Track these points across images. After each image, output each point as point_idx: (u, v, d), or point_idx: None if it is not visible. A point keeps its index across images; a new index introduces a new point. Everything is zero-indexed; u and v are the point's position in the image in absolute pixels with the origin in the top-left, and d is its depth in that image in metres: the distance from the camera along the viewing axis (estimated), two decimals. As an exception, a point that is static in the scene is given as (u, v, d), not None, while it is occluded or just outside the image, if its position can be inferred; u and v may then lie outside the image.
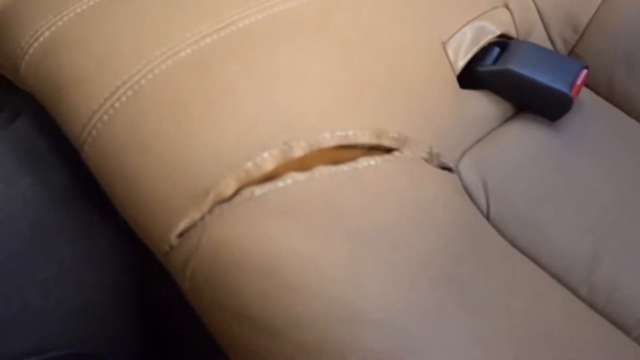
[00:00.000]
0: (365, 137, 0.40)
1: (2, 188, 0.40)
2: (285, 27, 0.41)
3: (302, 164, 0.37)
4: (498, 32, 0.50)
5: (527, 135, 0.48)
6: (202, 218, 0.35)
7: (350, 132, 0.39)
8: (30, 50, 0.41)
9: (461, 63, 0.48)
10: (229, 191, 0.35)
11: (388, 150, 0.41)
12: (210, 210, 0.35)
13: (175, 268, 0.36)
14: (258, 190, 0.35)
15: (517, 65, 0.47)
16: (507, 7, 0.51)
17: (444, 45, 0.48)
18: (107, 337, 0.40)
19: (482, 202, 0.44)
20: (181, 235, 0.35)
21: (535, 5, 0.52)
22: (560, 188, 0.45)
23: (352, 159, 0.39)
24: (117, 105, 0.37)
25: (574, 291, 0.42)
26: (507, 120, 0.49)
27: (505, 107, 0.49)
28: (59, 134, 0.40)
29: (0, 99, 0.47)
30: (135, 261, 0.41)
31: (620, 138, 0.49)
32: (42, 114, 0.42)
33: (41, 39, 0.41)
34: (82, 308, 0.39)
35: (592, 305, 0.41)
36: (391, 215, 0.36)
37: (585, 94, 0.51)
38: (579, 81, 0.47)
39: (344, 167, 0.37)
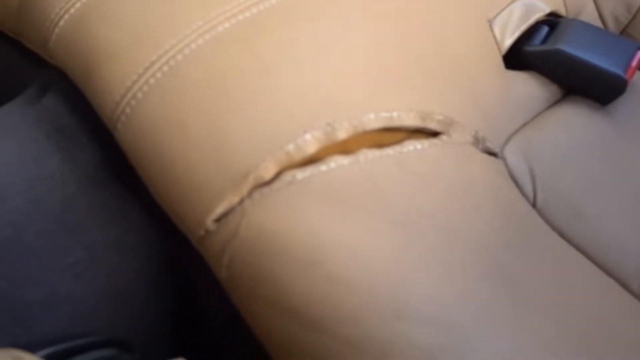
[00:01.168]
0: (410, 120, 0.38)
1: (30, 166, 0.38)
2: (327, 0, 0.39)
3: (346, 147, 0.35)
4: (548, 10, 0.47)
5: (576, 119, 0.45)
6: (241, 202, 0.33)
7: (395, 114, 0.37)
8: (61, 23, 0.40)
9: (508, 42, 0.46)
10: (269, 174, 0.33)
11: (433, 133, 0.39)
12: (249, 194, 0.33)
13: (212, 254, 0.34)
14: (300, 174, 0.33)
15: (568, 45, 0.45)
16: (557, -17, 0.49)
17: (490, 22, 0.45)
18: (136, 325, 0.39)
19: (529, 189, 0.42)
20: (218, 220, 0.34)
21: (587, -19, 0.50)
22: (612, 177, 0.43)
23: (397, 142, 0.37)
24: (152, 81, 0.35)
25: (625, 286, 0.40)
26: (555, 103, 0.47)
27: (553, 90, 0.47)
28: (90, 111, 0.38)
29: (28, 74, 0.46)
30: (168, 247, 0.40)
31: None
32: (72, 90, 0.40)
33: (72, 10, 0.40)
34: (112, 294, 0.38)
35: (644, 301, 0.39)
36: (439, 203, 0.34)
37: (638, 77, 0.49)
38: (634, 63, 0.44)
39: (389, 151, 0.35)
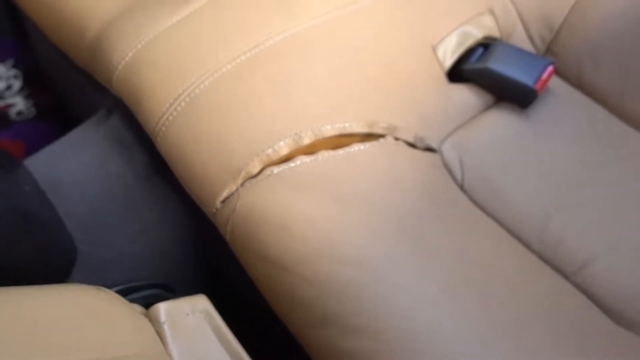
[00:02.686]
0: (359, 127, 0.53)
1: (101, 166, 0.56)
2: (299, 44, 0.54)
3: (310, 149, 0.51)
4: (480, 36, 0.60)
5: (500, 119, 0.59)
6: (237, 189, 0.49)
7: (347, 124, 0.52)
8: (120, 67, 0.57)
9: (448, 62, 0.59)
10: (255, 170, 0.49)
11: (380, 136, 0.54)
12: (242, 184, 0.49)
13: (220, 224, 0.51)
14: (276, 169, 0.49)
15: (494, 63, 0.58)
16: (491, 12, 0.62)
17: (434, 48, 0.59)
18: (173, 274, 0.56)
19: (458, 175, 0.56)
20: (223, 201, 0.50)
21: (516, 9, 0.62)
22: (524, 162, 0.56)
23: (349, 144, 0.52)
24: (178, 109, 0.52)
25: (527, 245, 0.53)
26: (488, 108, 0.60)
27: (486, 98, 0.60)
28: (140, 127, 0.56)
29: (98, 100, 0.63)
30: (195, 222, 0.57)
31: (584, 121, 0.59)
32: (129, 113, 0.57)
33: (127, 58, 0.56)
34: (157, 253, 0.55)
35: (541, 256, 0.52)
36: (371, 185, 0.49)
37: (558, 84, 0.61)
38: (544, 76, 0.57)
39: (340, 152, 0.51)
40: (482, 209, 0.55)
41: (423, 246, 0.47)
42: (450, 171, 0.56)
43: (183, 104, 0.52)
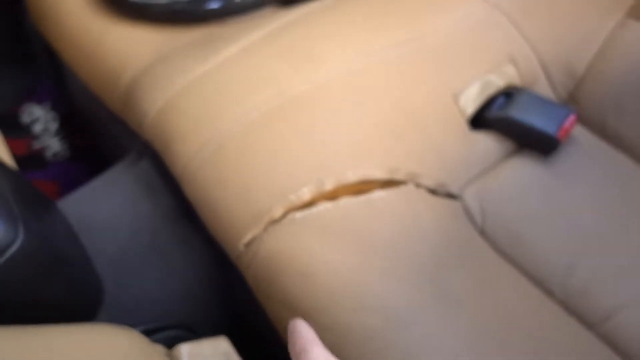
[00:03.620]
0: (381, 174, 0.54)
1: (131, 208, 0.58)
2: (323, 93, 0.56)
3: (333, 195, 0.52)
4: (501, 85, 0.61)
5: (523, 168, 0.59)
6: (260, 234, 0.51)
7: (368, 171, 0.53)
8: (150, 114, 0.59)
9: (470, 111, 0.60)
10: (278, 215, 0.51)
11: (402, 182, 0.55)
12: (265, 229, 0.50)
13: (243, 268, 0.52)
14: (298, 215, 0.50)
15: (516, 112, 0.59)
16: (513, 61, 0.63)
17: (455, 97, 0.60)
18: (198, 317, 0.57)
19: (479, 222, 0.56)
20: (246, 245, 0.51)
21: (538, 57, 0.63)
22: (546, 211, 0.56)
23: (370, 190, 0.53)
24: (206, 154, 0.54)
25: (550, 293, 0.53)
26: (510, 155, 0.61)
27: (508, 145, 0.61)
28: (168, 171, 0.58)
29: (129, 143, 0.66)
30: (219, 264, 0.58)
31: (609, 170, 0.59)
32: (157, 157, 0.59)
33: (157, 106, 0.59)
34: (183, 294, 0.56)
35: (564, 305, 0.52)
36: (392, 232, 0.50)
37: (581, 133, 0.61)
38: (567, 124, 0.58)
39: (361, 198, 0.52)
40: (504, 256, 0.55)
41: (444, 296, 0.48)
42: (471, 218, 0.57)
43: (210, 149, 0.54)
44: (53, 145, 0.93)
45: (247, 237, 0.51)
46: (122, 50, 0.70)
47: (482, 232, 0.56)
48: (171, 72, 0.61)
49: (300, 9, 0.66)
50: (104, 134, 0.87)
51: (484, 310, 0.49)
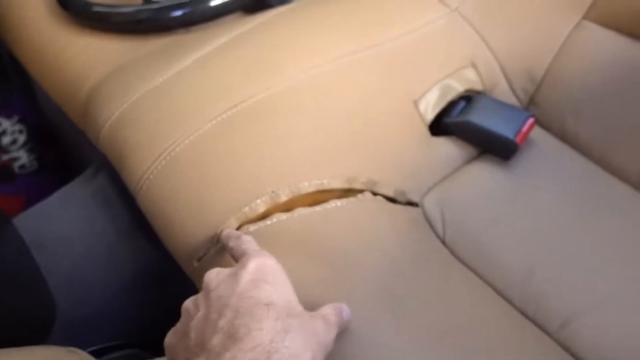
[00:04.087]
0: (338, 183, 0.53)
1: (87, 225, 0.57)
2: (280, 103, 0.55)
3: (288, 206, 0.51)
4: (461, 90, 0.61)
5: (483, 173, 0.58)
6: (214, 248, 0.50)
7: (324, 180, 0.52)
8: (106, 126, 0.58)
9: (430, 116, 0.60)
10: (232, 228, 0.50)
11: (360, 191, 0.54)
12: (218, 242, 0.50)
13: (198, 282, 0.51)
14: (252, 227, 0.50)
15: (475, 117, 0.59)
16: (473, 66, 0.62)
17: (415, 103, 0.60)
18: (155, 334, 0.56)
19: (440, 229, 0.56)
20: (200, 259, 0.50)
21: (498, 62, 0.63)
22: (506, 216, 0.55)
23: (327, 200, 0.52)
24: (159, 167, 0.53)
25: (509, 301, 0.52)
26: (471, 161, 0.60)
27: (469, 150, 0.60)
28: (124, 186, 0.57)
29: (91, 156, 0.65)
30: (176, 279, 0.57)
31: (568, 173, 0.58)
32: (115, 170, 0.59)
33: (113, 117, 0.58)
34: (138, 312, 0.55)
35: (524, 313, 0.51)
36: (349, 243, 0.49)
37: (541, 136, 0.61)
38: (525, 128, 0.57)
39: (317, 208, 0.51)
40: (464, 264, 0.54)
41: (401, 306, 0.47)
42: (431, 225, 0.56)
43: (164, 162, 0.53)
44: (21, 157, 0.92)
45: (201, 252, 0.50)
46: (84, 60, 0.69)
47: (443, 240, 0.55)
48: (128, 83, 0.60)
49: (262, 16, 0.66)
50: (71, 146, 0.86)
51: (441, 319, 0.48)
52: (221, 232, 0.48)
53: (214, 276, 0.39)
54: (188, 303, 0.39)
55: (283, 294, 0.38)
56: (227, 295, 0.37)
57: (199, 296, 0.39)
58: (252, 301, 0.36)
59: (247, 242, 0.43)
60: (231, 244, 0.44)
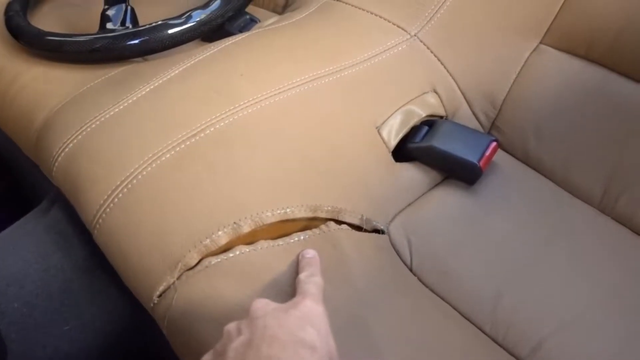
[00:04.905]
0: (302, 212, 0.52)
1: (40, 261, 0.55)
2: (241, 131, 0.54)
3: (251, 238, 0.50)
4: (424, 115, 0.61)
5: (447, 197, 0.58)
6: (174, 282, 0.48)
7: (288, 210, 0.51)
8: (59, 159, 0.56)
9: (393, 142, 0.60)
10: (193, 261, 0.48)
11: (325, 220, 0.53)
12: (179, 277, 0.48)
13: (158, 318, 0.49)
14: (214, 260, 0.48)
15: (437, 141, 0.58)
16: (435, 91, 0.63)
17: (378, 129, 0.59)
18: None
19: (407, 256, 0.55)
20: (160, 295, 0.48)
21: (459, 87, 0.63)
22: (472, 241, 0.55)
23: (292, 230, 0.51)
24: (116, 200, 0.51)
25: (479, 327, 0.51)
26: (436, 185, 0.60)
27: (433, 175, 0.60)
28: (80, 220, 0.54)
29: (42, 191, 0.62)
30: (136, 314, 0.54)
31: (532, 195, 0.59)
32: (70, 205, 0.56)
33: (66, 149, 0.56)
34: (97, 351, 0.53)
35: (494, 339, 0.51)
36: (314, 275, 0.48)
37: (504, 159, 0.61)
38: (488, 152, 0.57)
39: (280, 242, 0.50)
40: (433, 290, 0.53)
41: (372, 337, 0.46)
42: (398, 252, 0.55)
43: (120, 195, 0.51)
44: (-28, 191, 0.89)
45: (161, 287, 0.48)
46: (36, 90, 0.67)
47: (411, 267, 0.54)
48: (83, 113, 0.58)
49: (220, 44, 0.65)
50: (23, 178, 0.83)
51: (412, 349, 0.47)
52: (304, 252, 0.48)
53: (262, 305, 0.40)
54: (231, 326, 0.40)
55: (326, 341, 0.39)
56: (274, 327, 0.37)
57: (243, 321, 0.39)
58: (298, 340, 0.37)
59: (314, 284, 0.44)
60: (302, 275, 0.45)
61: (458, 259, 0.54)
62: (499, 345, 0.51)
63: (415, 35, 0.64)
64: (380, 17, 0.65)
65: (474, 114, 0.64)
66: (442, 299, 0.53)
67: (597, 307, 0.51)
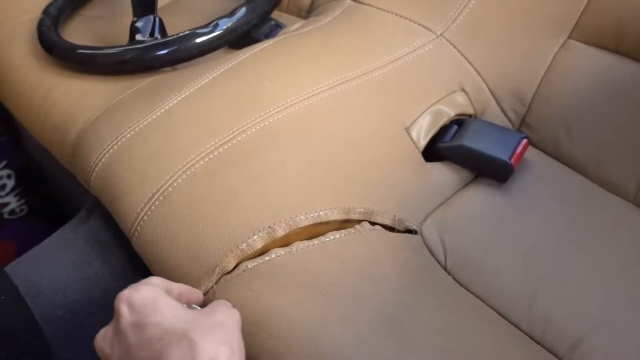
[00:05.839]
0: (335, 215, 0.52)
1: (81, 269, 0.56)
2: (272, 136, 0.55)
3: (285, 241, 0.50)
4: (453, 114, 0.61)
5: (479, 196, 0.58)
6: (213, 287, 0.49)
7: (321, 212, 0.52)
8: (97, 169, 0.57)
9: (423, 142, 0.60)
10: (230, 266, 0.49)
11: (358, 222, 0.54)
12: (217, 281, 0.49)
13: (198, 323, 0.50)
14: (250, 264, 0.49)
15: (468, 140, 0.58)
16: (463, 90, 0.63)
17: (407, 129, 0.59)
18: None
19: (441, 256, 0.55)
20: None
21: (487, 86, 0.63)
22: (506, 239, 0.55)
23: (325, 233, 0.51)
24: (153, 208, 0.52)
25: (516, 325, 0.51)
26: (467, 185, 0.60)
27: (464, 174, 0.60)
28: (119, 227, 0.56)
29: (80, 200, 0.64)
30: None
31: (565, 192, 0.58)
32: (108, 213, 0.58)
33: (103, 159, 0.57)
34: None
35: (531, 336, 0.51)
36: (349, 275, 0.48)
37: (535, 156, 0.61)
38: (519, 149, 0.57)
39: (315, 242, 0.50)
40: (468, 289, 0.53)
41: (406, 338, 0.46)
42: (432, 252, 0.55)
43: (157, 203, 0.52)
44: (10, 202, 0.91)
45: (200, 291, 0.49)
46: (70, 103, 0.68)
47: (445, 267, 0.55)
48: (116, 124, 0.60)
49: (248, 50, 0.66)
50: (60, 189, 0.84)
51: (449, 347, 0.47)
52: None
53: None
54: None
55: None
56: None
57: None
58: None
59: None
60: None
61: (493, 258, 0.54)
62: (537, 342, 0.50)
63: (441, 35, 0.64)
64: (406, 18, 0.65)
65: (503, 111, 0.64)
66: (478, 297, 0.53)
67: (637, 305, 0.50)
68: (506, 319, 0.52)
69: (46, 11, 0.78)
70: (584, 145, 0.59)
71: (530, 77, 0.62)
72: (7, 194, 0.92)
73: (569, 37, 0.63)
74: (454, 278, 0.54)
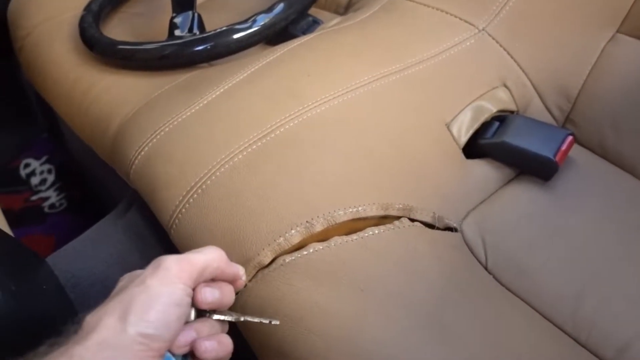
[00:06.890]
0: (373, 211, 0.52)
1: (119, 261, 0.56)
2: (310, 131, 0.54)
3: (323, 236, 0.50)
4: (494, 110, 0.60)
5: (522, 194, 0.57)
6: (249, 281, 0.48)
7: (360, 208, 0.51)
8: (136, 162, 0.58)
9: (464, 139, 0.58)
10: (267, 260, 0.48)
11: (396, 218, 0.53)
12: (254, 275, 0.48)
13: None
14: (288, 258, 0.48)
15: (510, 137, 0.57)
16: (505, 86, 0.61)
17: (447, 125, 0.58)
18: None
19: (482, 254, 0.54)
20: (237, 292, 0.49)
21: (531, 81, 0.61)
22: (550, 239, 0.53)
23: (363, 228, 0.51)
24: (191, 200, 0.52)
25: (560, 327, 0.50)
26: (509, 182, 0.58)
27: (506, 172, 0.58)
28: (157, 219, 0.56)
29: (118, 195, 0.64)
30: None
31: (612, 191, 0.56)
32: (147, 206, 0.58)
33: (142, 152, 0.58)
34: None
35: (576, 339, 0.49)
36: (388, 271, 0.48)
37: (581, 153, 0.59)
38: (564, 147, 0.55)
39: (353, 237, 0.49)
40: (509, 289, 0.52)
41: (446, 336, 0.45)
42: (472, 251, 0.54)
43: (195, 195, 0.52)
44: (50, 197, 0.92)
45: (237, 285, 0.49)
46: (110, 98, 0.69)
47: (486, 266, 0.53)
48: (156, 118, 0.60)
49: (285, 46, 0.65)
50: (99, 184, 0.86)
51: (489, 349, 0.46)
52: None
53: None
54: None
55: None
56: None
57: None
58: None
59: None
60: None
61: (536, 258, 0.53)
62: (582, 346, 0.49)
63: (483, 30, 0.63)
64: (447, 12, 0.64)
65: (546, 108, 0.62)
66: (520, 298, 0.51)
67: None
68: (550, 320, 0.50)
69: (88, 8, 0.79)
70: (631, 142, 0.57)
71: (577, 72, 0.60)
72: (48, 188, 0.93)
73: (617, 31, 0.60)
74: (495, 277, 0.53)
